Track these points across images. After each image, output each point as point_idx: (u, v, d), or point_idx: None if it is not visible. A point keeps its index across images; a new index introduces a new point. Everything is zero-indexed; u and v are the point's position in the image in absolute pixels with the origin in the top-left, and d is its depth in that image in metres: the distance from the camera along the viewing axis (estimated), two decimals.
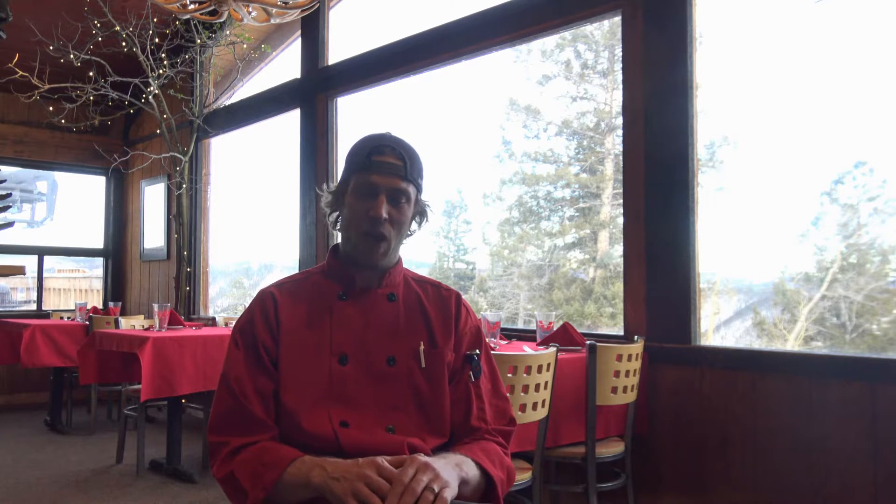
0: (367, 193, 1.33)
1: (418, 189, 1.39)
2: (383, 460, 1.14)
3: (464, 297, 1.51)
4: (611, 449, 2.68)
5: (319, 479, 1.15)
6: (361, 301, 1.38)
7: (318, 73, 4.87)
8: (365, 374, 1.33)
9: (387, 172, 1.32)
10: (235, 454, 1.27)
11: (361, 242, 1.34)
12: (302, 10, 3.41)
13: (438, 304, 1.44)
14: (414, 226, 1.43)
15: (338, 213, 1.43)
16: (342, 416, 1.29)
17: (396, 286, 1.42)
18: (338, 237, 1.51)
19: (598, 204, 5.42)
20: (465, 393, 1.39)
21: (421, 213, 1.43)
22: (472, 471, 1.25)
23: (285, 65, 5.54)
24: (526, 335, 3.40)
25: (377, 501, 1.09)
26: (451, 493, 1.13)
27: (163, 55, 5.31)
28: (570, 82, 5.47)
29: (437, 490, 1.10)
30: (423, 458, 1.15)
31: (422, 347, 1.37)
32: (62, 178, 7.73)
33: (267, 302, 1.37)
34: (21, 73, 5.12)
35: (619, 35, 3.29)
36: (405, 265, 1.48)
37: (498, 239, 5.94)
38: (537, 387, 2.30)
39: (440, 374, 1.37)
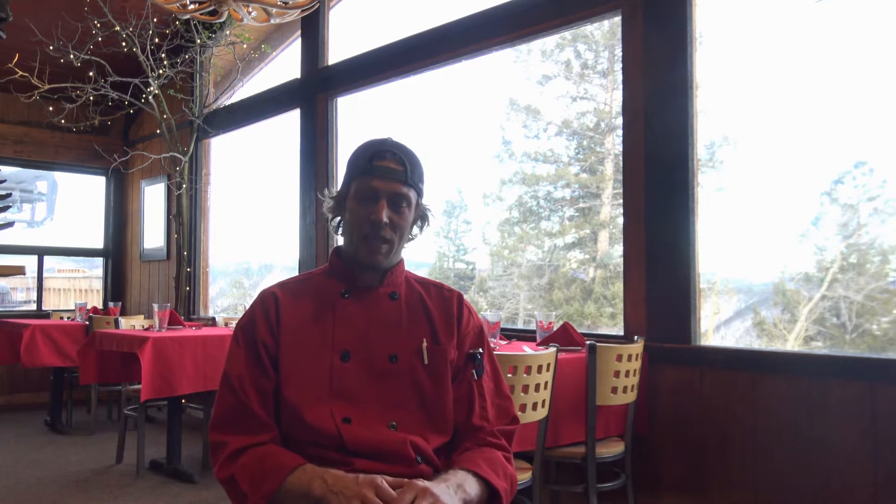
0: (369, 198, 1.34)
1: (419, 194, 1.40)
2: (383, 480, 1.15)
3: (465, 298, 1.51)
4: (611, 449, 2.68)
5: (320, 491, 1.16)
6: (364, 299, 1.39)
7: (318, 73, 4.87)
8: (367, 370, 1.33)
9: (388, 177, 1.34)
10: (237, 457, 1.28)
11: (363, 246, 1.35)
12: (302, 10, 3.41)
13: (441, 304, 1.45)
14: (415, 230, 1.44)
15: (339, 217, 1.44)
16: (344, 413, 1.29)
17: (398, 285, 1.43)
18: (339, 240, 1.52)
19: (598, 204, 5.42)
20: (467, 392, 1.40)
21: (422, 217, 1.44)
22: (474, 489, 1.26)
23: (285, 65, 5.54)
24: (526, 335, 3.40)
25: None
26: None
27: (163, 55, 5.31)
28: (570, 82, 5.47)
29: None
30: (422, 483, 1.16)
31: (424, 344, 1.38)
32: (62, 178, 7.73)
33: (268, 301, 1.38)
34: (21, 73, 5.12)
35: (619, 35, 3.29)
36: (406, 266, 1.49)
37: (498, 239, 5.94)
38: (537, 387, 2.30)
39: (443, 372, 1.37)
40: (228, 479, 1.27)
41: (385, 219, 1.33)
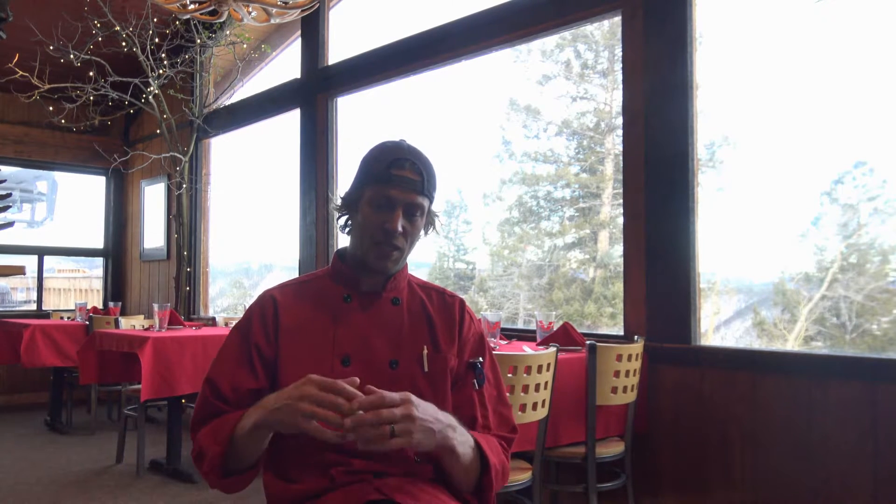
0: (384, 206, 1.33)
1: (431, 201, 1.40)
2: (318, 377, 1.12)
3: (466, 300, 1.52)
4: (611, 449, 2.68)
5: (261, 416, 1.16)
6: (366, 304, 1.39)
7: (318, 73, 4.87)
8: (367, 375, 1.33)
9: (405, 187, 1.33)
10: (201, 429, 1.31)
11: (373, 252, 1.35)
12: (302, 10, 3.41)
13: (442, 310, 1.44)
14: (422, 233, 1.44)
15: (348, 217, 1.43)
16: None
17: (401, 290, 1.43)
18: (340, 238, 1.52)
19: (598, 204, 5.42)
20: (468, 400, 1.40)
21: (431, 222, 1.44)
22: (467, 448, 1.25)
23: (285, 65, 5.54)
24: (526, 335, 3.40)
25: (330, 415, 1.08)
26: (405, 443, 1.11)
27: (163, 55, 5.31)
28: (570, 82, 5.47)
29: (395, 432, 1.10)
30: (416, 403, 1.14)
31: (425, 352, 1.37)
32: (62, 178, 7.73)
33: (266, 304, 1.38)
34: (21, 73, 5.12)
35: (619, 35, 3.29)
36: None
37: (498, 239, 5.94)
38: (537, 387, 2.30)
39: (443, 379, 1.37)
40: (197, 454, 1.28)
41: (400, 228, 1.33)
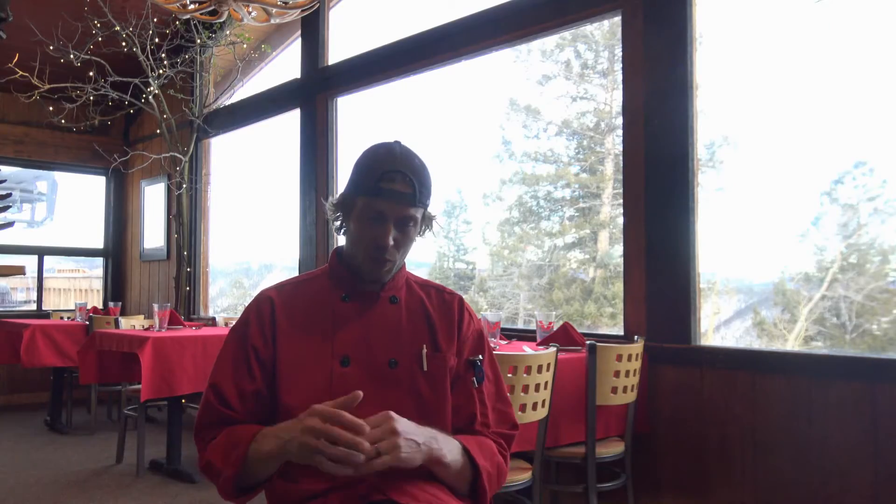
0: (375, 219, 1.32)
1: (426, 208, 1.38)
2: (324, 406, 1.13)
3: (465, 300, 1.51)
4: (611, 449, 2.68)
5: (275, 447, 1.17)
6: (364, 303, 1.39)
7: (318, 73, 4.87)
8: (367, 375, 1.33)
9: (396, 201, 1.30)
10: (210, 442, 1.31)
11: (367, 263, 1.35)
12: (302, 10, 3.41)
13: (441, 308, 1.44)
14: (417, 237, 1.43)
15: (342, 219, 1.42)
16: None
17: (399, 289, 1.42)
18: (340, 238, 1.51)
19: (598, 204, 5.41)
20: (468, 398, 1.39)
21: (427, 225, 1.42)
22: (456, 455, 1.26)
23: (285, 65, 5.54)
24: (526, 335, 3.40)
25: (339, 452, 1.08)
26: (392, 460, 1.13)
27: (163, 55, 5.31)
28: (570, 82, 5.47)
29: (382, 450, 1.12)
30: (397, 419, 1.16)
31: (424, 351, 1.37)
32: (62, 178, 7.72)
33: (263, 305, 1.38)
34: (21, 73, 5.12)
35: (619, 35, 3.29)
36: (406, 267, 1.48)
37: (498, 239, 5.93)
38: (537, 387, 2.30)
39: (442, 378, 1.37)
40: (206, 465, 1.29)
41: (391, 242, 1.32)
